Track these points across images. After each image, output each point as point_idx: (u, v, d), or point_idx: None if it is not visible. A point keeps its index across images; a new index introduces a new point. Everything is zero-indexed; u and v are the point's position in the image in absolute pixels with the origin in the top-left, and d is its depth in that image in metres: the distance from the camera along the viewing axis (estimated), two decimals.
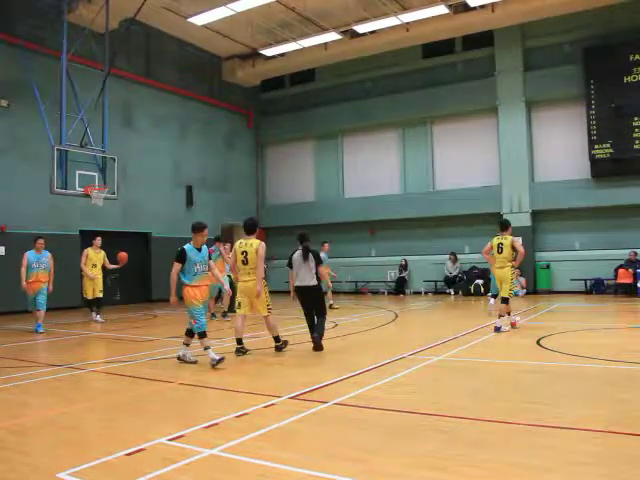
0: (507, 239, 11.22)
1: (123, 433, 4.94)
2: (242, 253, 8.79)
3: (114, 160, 16.66)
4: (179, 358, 8.31)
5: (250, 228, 9.06)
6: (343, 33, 21.04)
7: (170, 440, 4.66)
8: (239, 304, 8.88)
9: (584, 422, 4.93)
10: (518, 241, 11.36)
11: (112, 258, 15.14)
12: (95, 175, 16.31)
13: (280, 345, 9.06)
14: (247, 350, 8.87)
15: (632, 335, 10.94)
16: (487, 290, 20.64)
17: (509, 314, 11.18)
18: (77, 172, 15.79)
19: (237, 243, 8.98)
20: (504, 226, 11.46)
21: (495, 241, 11.38)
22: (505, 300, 11.04)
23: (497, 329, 10.76)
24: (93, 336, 11.99)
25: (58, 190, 15.35)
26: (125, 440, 4.67)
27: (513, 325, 11.24)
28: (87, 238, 19.08)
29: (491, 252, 11.48)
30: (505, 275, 11.12)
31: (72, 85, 16.00)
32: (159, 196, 22.07)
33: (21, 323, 13.84)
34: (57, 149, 15.28)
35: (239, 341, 8.85)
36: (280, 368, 7.64)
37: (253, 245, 8.83)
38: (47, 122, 15.64)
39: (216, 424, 5.10)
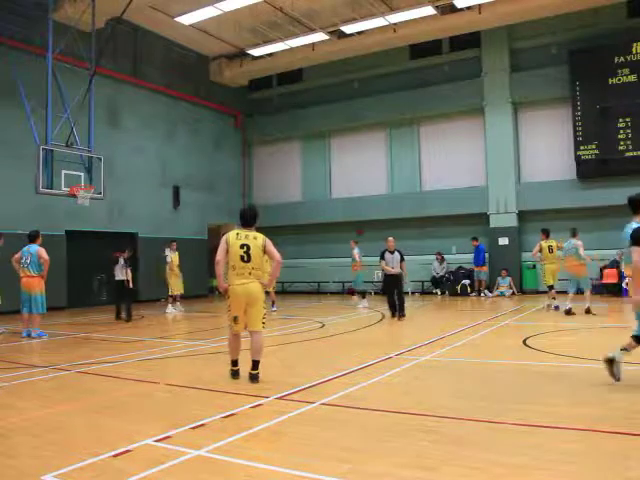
0: (554, 242, 14.89)
1: (109, 434, 4.91)
2: (242, 247, 6.88)
3: (100, 160, 16.54)
4: (610, 361, 6.26)
5: (251, 219, 7.18)
6: (330, 33, 21.04)
7: (157, 441, 4.65)
8: (235, 318, 6.90)
9: (569, 421, 4.97)
10: (563, 243, 14.46)
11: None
12: (81, 175, 16.18)
13: (257, 374, 6.86)
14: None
15: (617, 335, 11.00)
16: (473, 290, 20.85)
17: (554, 298, 14.72)
18: (63, 172, 15.65)
19: (231, 235, 6.98)
20: (548, 233, 15.07)
21: (545, 244, 14.96)
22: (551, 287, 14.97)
23: (556, 308, 14.44)
24: (79, 337, 11.92)
25: (44, 190, 15.21)
26: (111, 441, 4.65)
27: (549, 308, 14.82)
28: (73, 238, 19.05)
29: (539, 254, 15.13)
30: (555, 269, 14.92)
31: (58, 84, 15.86)
32: (145, 196, 21.96)
33: (4, 324, 13.71)
34: (43, 149, 15.14)
35: (234, 362, 7.11)
36: (267, 369, 7.62)
37: (257, 239, 6.98)
38: (32, 121, 15.50)
39: (203, 425, 5.09)
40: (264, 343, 7.15)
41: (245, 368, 6.93)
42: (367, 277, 23.53)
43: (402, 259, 13.93)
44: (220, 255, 6.95)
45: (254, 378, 6.82)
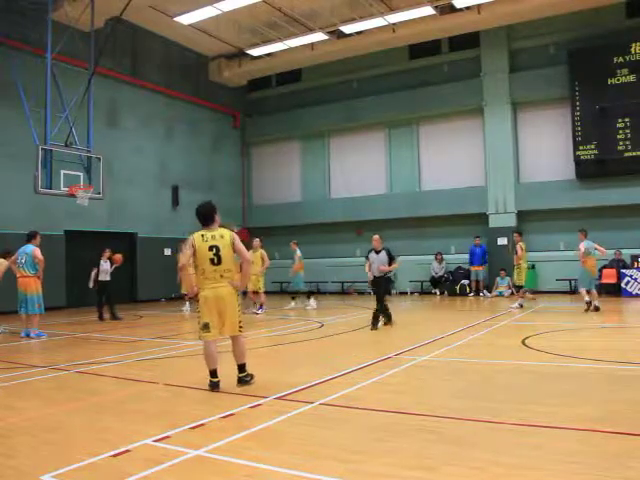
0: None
1: (108, 434, 4.91)
2: (210, 249, 6.41)
3: (99, 160, 16.54)
4: None
5: (210, 216, 6.66)
6: (330, 33, 21.04)
7: (156, 441, 4.64)
8: (206, 325, 6.43)
9: (569, 421, 4.96)
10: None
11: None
12: (80, 175, 16.17)
13: (245, 377, 6.63)
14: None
15: (616, 335, 11.04)
16: (472, 290, 20.87)
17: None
18: (62, 172, 15.64)
19: (196, 237, 6.48)
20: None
21: (524, 245, 15.68)
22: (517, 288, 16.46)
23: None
24: (78, 337, 11.92)
25: (43, 190, 15.20)
26: (110, 441, 4.64)
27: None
28: (72, 238, 19.04)
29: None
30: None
31: (57, 84, 15.84)
32: (145, 196, 21.96)
33: (4, 324, 13.70)
34: (42, 148, 15.13)
35: (213, 373, 6.55)
36: (266, 369, 7.62)
37: (224, 237, 6.50)
38: (31, 121, 15.48)
39: (202, 425, 5.08)
40: (246, 345, 6.83)
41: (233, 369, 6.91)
42: (365, 277, 23.57)
43: (391, 258, 11.99)
44: (185, 259, 6.54)
45: (242, 381, 6.58)
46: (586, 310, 13.76)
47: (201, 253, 6.41)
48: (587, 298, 13.98)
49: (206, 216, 6.64)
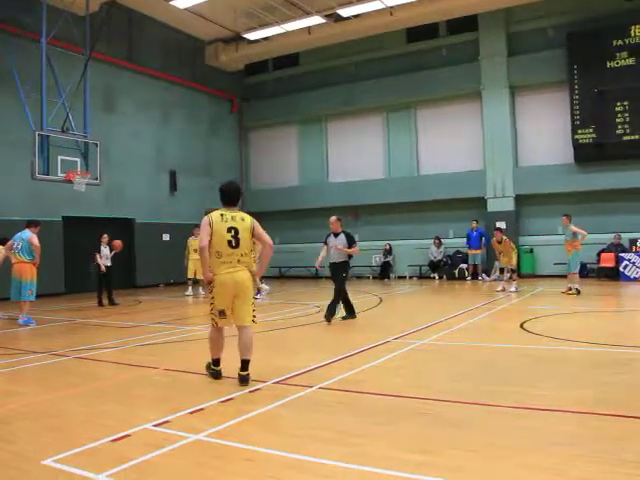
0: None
1: (108, 419, 4.93)
2: (229, 230, 5.98)
3: (96, 145, 16.47)
4: None
5: (235, 197, 6.30)
6: (327, 17, 20.87)
7: (155, 426, 4.66)
8: (222, 312, 6.06)
9: (567, 404, 4.99)
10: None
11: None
12: (77, 160, 16.11)
13: (247, 376, 5.99)
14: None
15: (614, 318, 11.08)
16: (470, 273, 20.89)
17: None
18: (59, 157, 15.58)
19: (214, 216, 6.05)
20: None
21: None
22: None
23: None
24: (77, 323, 11.93)
25: (40, 176, 15.15)
26: (110, 426, 4.66)
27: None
28: (70, 224, 18.99)
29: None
30: None
31: (52, 69, 15.73)
32: (142, 181, 21.89)
33: (5, 311, 13.71)
34: (38, 134, 15.06)
35: (217, 362, 6.35)
36: (265, 353, 7.63)
37: (245, 220, 6.13)
38: (27, 107, 15.38)
39: (201, 409, 5.10)
40: (254, 339, 6.20)
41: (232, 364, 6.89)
42: (364, 261, 23.62)
43: (351, 242, 10.87)
44: (205, 240, 5.96)
45: (244, 380, 5.94)
46: (575, 294, 14.20)
47: (219, 234, 5.97)
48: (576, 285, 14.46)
49: (231, 195, 6.25)
